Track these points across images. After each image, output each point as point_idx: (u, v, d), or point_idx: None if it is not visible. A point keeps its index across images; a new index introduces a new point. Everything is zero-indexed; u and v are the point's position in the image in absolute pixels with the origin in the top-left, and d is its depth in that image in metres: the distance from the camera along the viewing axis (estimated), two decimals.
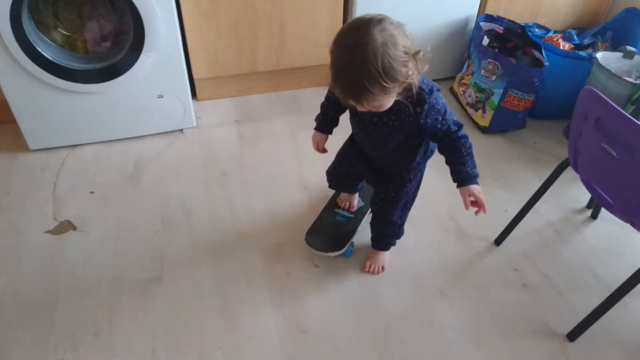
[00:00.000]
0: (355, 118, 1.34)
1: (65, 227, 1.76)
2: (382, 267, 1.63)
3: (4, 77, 1.83)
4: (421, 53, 1.07)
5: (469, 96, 2.28)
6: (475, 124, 2.27)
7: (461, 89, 2.35)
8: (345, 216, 1.73)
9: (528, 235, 1.77)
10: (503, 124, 2.21)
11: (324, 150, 1.49)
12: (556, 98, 2.22)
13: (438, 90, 1.20)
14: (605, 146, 1.22)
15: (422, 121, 1.20)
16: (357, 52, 1.00)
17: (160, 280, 1.59)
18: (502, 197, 1.92)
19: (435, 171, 2.00)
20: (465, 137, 1.26)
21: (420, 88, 1.15)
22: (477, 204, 1.24)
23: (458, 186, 1.26)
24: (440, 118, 1.21)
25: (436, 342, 1.45)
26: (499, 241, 1.73)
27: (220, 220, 1.80)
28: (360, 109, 1.12)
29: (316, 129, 1.48)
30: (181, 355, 1.40)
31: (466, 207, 1.23)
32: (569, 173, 1.50)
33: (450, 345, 1.44)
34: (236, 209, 1.83)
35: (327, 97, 1.41)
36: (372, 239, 1.62)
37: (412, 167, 1.43)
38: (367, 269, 1.62)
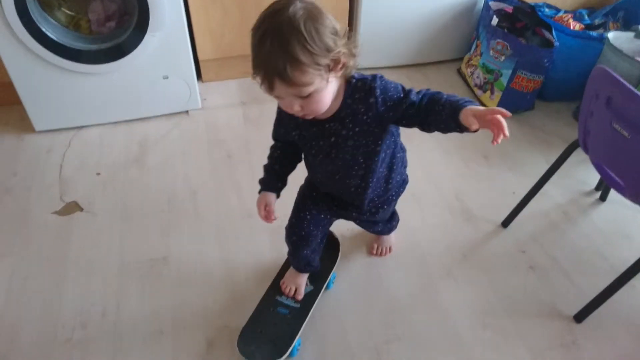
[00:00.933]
0: (312, 152, 1.13)
1: (72, 208, 1.76)
2: (390, 247, 1.61)
3: (9, 58, 1.82)
4: (351, 33, 0.95)
5: (477, 77, 2.25)
6: (483, 106, 2.23)
7: (469, 70, 2.32)
8: (290, 307, 1.41)
9: (536, 217, 1.76)
10: (511, 105, 2.18)
11: (272, 216, 1.21)
12: (566, 79, 2.19)
13: (381, 76, 1.04)
14: (617, 126, 1.20)
15: (382, 108, 1.02)
16: (278, 16, 0.88)
17: (167, 260, 1.59)
18: (509, 179, 1.91)
19: (443, 152, 2.00)
20: (437, 91, 1.04)
21: (361, 79, 1.03)
22: (491, 123, 0.88)
23: (456, 119, 0.96)
24: (399, 94, 1.03)
25: (442, 322, 1.45)
26: (506, 223, 1.72)
27: (227, 201, 1.80)
28: (296, 110, 0.96)
29: (261, 190, 1.23)
30: (188, 335, 1.40)
31: (472, 126, 0.91)
32: (578, 155, 1.48)
33: (456, 326, 1.44)
34: (242, 190, 1.83)
35: (270, 155, 1.23)
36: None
37: (391, 195, 1.28)
38: (374, 252, 1.61)
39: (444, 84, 2.40)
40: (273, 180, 1.22)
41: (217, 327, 1.42)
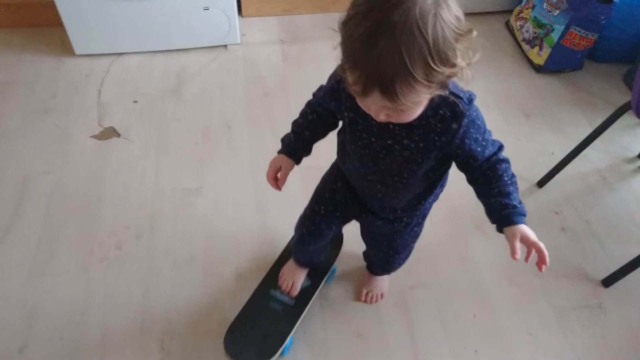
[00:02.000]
0: (358, 143, 0.92)
1: (110, 133, 1.79)
2: (382, 294, 1.40)
3: None
4: (474, 33, 0.71)
5: (527, 31, 2.16)
6: (530, 62, 2.16)
7: (519, 23, 2.22)
8: (283, 303, 1.30)
9: (573, 180, 1.72)
10: (559, 63, 2.10)
11: (279, 183, 1.06)
12: (620, 40, 2.08)
13: (473, 102, 0.86)
14: None
15: (457, 142, 0.85)
16: (396, 7, 0.63)
17: (200, 191, 1.62)
18: (550, 139, 1.86)
19: (483, 107, 1.94)
20: (507, 161, 0.92)
21: (455, 94, 0.81)
22: (534, 250, 0.85)
23: (500, 226, 0.89)
24: (480, 138, 0.86)
25: (468, 273, 1.46)
26: (542, 183, 1.69)
27: (261, 137, 1.80)
28: (379, 115, 0.76)
29: (281, 152, 1.06)
30: (217, 264, 1.44)
31: (513, 253, 0.84)
32: (623, 120, 1.44)
33: (481, 278, 1.45)
34: (277, 128, 1.83)
35: (304, 115, 1.04)
36: (368, 266, 1.39)
37: (420, 209, 1.10)
38: (363, 298, 1.38)
39: (490, 37, 2.31)
40: (299, 147, 1.05)
41: (246, 259, 1.46)
